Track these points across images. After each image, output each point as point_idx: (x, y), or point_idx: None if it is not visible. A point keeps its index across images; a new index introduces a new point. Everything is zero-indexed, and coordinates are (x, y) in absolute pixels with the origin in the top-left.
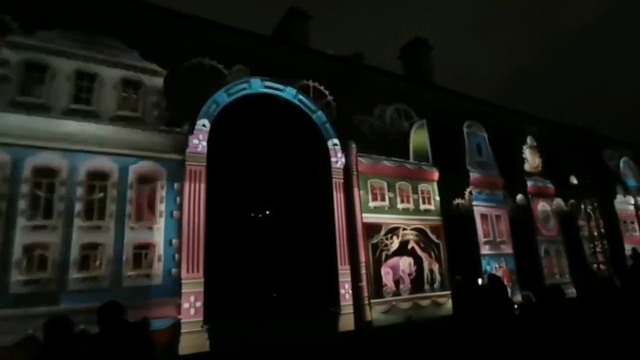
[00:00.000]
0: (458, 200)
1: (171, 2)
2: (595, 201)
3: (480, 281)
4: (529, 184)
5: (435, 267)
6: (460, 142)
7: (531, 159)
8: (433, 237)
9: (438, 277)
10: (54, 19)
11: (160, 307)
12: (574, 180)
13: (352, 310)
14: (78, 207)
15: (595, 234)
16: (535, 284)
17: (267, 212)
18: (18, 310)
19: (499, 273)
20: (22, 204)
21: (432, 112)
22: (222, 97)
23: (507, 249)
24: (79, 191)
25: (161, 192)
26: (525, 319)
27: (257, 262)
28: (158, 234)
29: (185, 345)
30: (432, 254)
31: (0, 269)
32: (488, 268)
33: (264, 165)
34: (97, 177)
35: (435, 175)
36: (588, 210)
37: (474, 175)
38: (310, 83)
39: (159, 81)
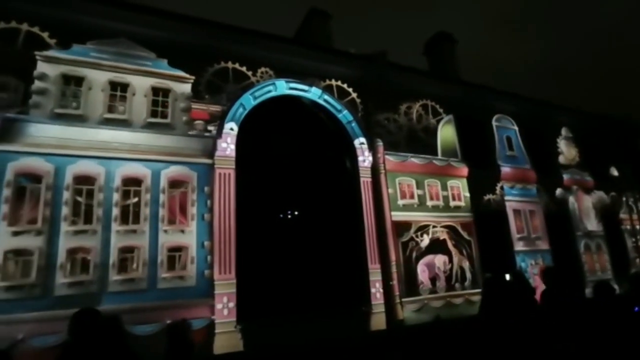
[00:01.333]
0: (489, 196)
1: (193, 10)
2: (637, 193)
3: (507, 277)
4: (565, 177)
5: (466, 264)
6: (489, 136)
7: (567, 151)
8: (464, 234)
9: (469, 275)
10: (87, 33)
11: (194, 308)
12: (614, 171)
13: (383, 309)
14: (115, 211)
15: (638, 227)
16: (575, 280)
17: (296, 213)
18: (63, 312)
19: (535, 270)
20: (64, 210)
21: (460, 107)
22: (249, 100)
23: (543, 245)
24: (116, 197)
25: (192, 196)
26: (574, 316)
27: (288, 263)
28: (190, 237)
29: (220, 345)
30: (464, 251)
31: (46, 272)
32: (523, 265)
33: (291, 167)
34: (132, 183)
35: (465, 171)
36: (630, 202)
37: (505, 169)
38: (333, 82)
39: (186, 87)
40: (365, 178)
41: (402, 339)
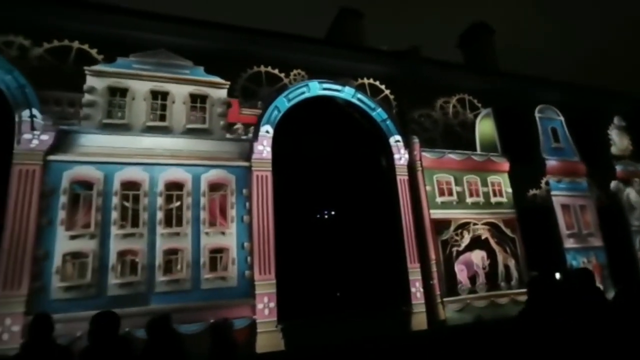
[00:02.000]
0: (533, 191)
1: (225, 17)
2: None
3: (557, 276)
4: (618, 168)
5: (512, 262)
6: (532, 128)
7: (619, 141)
8: (507, 231)
9: (515, 274)
10: (130, 46)
11: (236, 308)
12: None
13: (424, 309)
14: (159, 215)
15: None
16: (630, 278)
17: (333, 213)
18: (116, 310)
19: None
20: (114, 215)
21: (499, 99)
22: (283, 103)
23: (596, 242)
24: (159, 201)
25: (231, 198)
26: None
27: (327, 263)
28: (231, 238)
29: (262, 345)
30: (507, 249)
31: (99, 273)
32: (574, 263)
33: (327, 167)
34: (174, 187)
35: (506, 165)
36: None
37: (550, 163)
38: (365, 81)
39: (223, 93)
40: (401, 176)
41: (444, 339)
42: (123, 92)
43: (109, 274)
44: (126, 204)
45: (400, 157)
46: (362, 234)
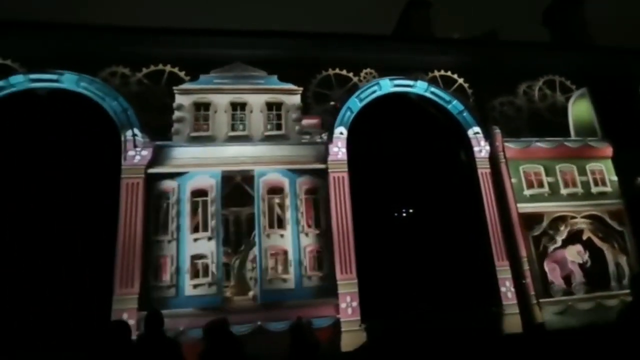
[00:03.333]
0: None
1: (296, 24)
2: None
3: None
4: None
5: (623, 259)
6: (638, 107)
7: None
8: (614, 224)
9: (627, 271)
10: (210, 63)
11: (324, 306)
12: None
13: (517, 311)
14: (262, 219)
15: None
16: None
17: (412, 211)
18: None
19: None
20: (186, 221)
21: (595, 77)
22: (355, 103)
23: None
24: (262, 205)
25: (322, 201)
26: None
27: (409, 261)
28: (324, 239)
29: (346, 344)
30: (616, 245)
31: (176, 274)
32: None
33: (404, 164)
34: (274, 191)
35: (608, 150)
36: None
37: None
38: (437, 73)
39: (296, 99)
40: (483, 169)
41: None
42: (206, 106)
43: (185, 275)
44: (195, 209)
45: (481, 149)
46: (444, 231)
